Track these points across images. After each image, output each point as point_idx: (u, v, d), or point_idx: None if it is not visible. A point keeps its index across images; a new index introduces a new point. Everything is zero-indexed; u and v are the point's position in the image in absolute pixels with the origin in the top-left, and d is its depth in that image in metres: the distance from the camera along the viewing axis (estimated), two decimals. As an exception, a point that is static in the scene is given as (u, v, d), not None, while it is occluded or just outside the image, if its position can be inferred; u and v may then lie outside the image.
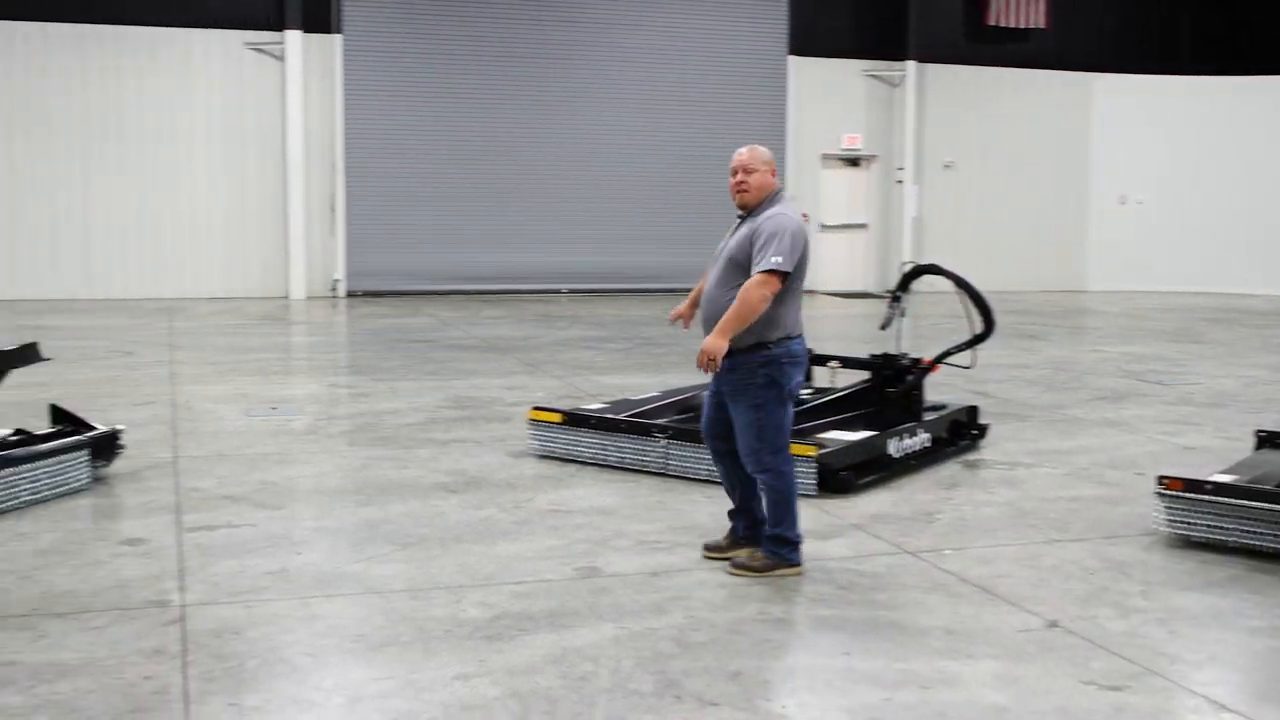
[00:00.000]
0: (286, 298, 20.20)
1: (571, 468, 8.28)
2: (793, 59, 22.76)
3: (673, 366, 12.74)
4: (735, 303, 5.78)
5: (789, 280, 5.86)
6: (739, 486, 6.26)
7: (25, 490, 7.15)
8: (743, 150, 6.15)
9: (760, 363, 5.88)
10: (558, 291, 21.43)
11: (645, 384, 11.05)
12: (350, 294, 20.62)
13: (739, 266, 5.93)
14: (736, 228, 6.12)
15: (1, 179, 19.38)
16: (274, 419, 9.93)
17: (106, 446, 7.87)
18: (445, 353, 14.04)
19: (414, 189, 20.95)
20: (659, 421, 8.33)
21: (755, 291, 5.75)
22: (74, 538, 6.61)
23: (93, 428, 7.83)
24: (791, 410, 6.11)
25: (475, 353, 14.05)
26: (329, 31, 20.34)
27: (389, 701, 4.56)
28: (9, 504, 7.04)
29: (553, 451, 8.52)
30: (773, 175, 6.13)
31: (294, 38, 20.12)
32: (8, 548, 6.39)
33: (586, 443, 8.38)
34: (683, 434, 8.02)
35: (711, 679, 4.79)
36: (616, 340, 15.16)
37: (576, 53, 21.59)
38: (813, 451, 7.60)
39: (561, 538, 6.65)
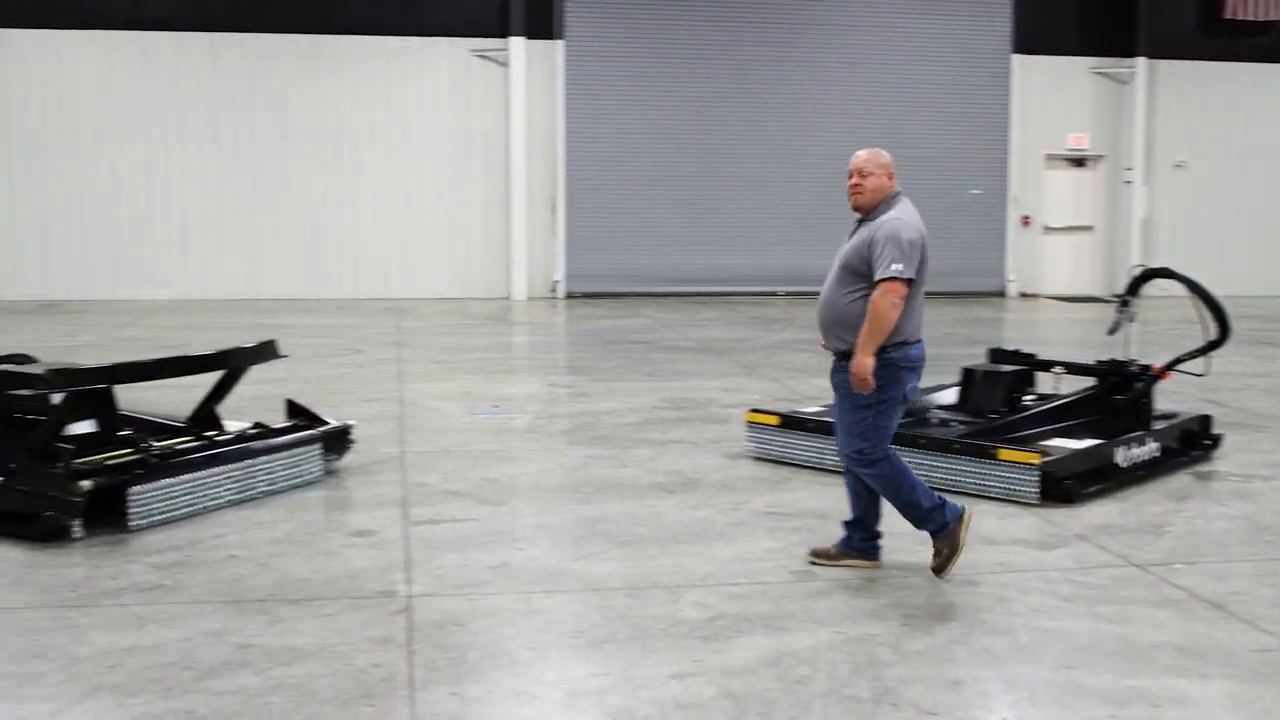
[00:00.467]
0: (508, 298, 20.64)
1: (787, 470, 8.26)
2: (1017, 57, 22.24)
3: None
4: (868, 317, 5.78)
5: (910, 285, 5.81)
6: (863, 497, 6.18)
7: (262, 481, 7.47)
8: (861, 153, 6.12)
9: (876, 366, 5.82)
10: (773, 294, 21.38)
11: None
12: (569, 295, 20.96)
13: (853, 271, 5.94)
14: (853, 231, 6.11)
15: (243, 185, 20.29)
16: (496, 417, 10.16)
17: (338, 441, 8.17)
18: (662, 354, 14.15)
19: (632, 191, 21.17)
20: (876, 426, 8.23)
21: (883, 301, 5.75)
22: (307, 528, 6.89)
23: (325, 423, 8.13)
24: (900, 415, 6.07)
25: (691, 354, 14.12)
26: (551, 38, 20.71)
27: (607, 698, 4.63)
28: (247, 494, 7.37)
29: (769, 454, 8.51)
30: (890, 179, 6.06)
31: (518, 44, 20.55)
32: (246, 536, 6.69)
33: (803, 445, 8.35)
34: (901, 439, 7.91)
35: (929, 687, 4.72)
36: (833, 343, 15.04)
37: (796, 54, 21.51)
38: (1035, 459, 7.43)
39: (778, 540, 6.64)
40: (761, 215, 21.51)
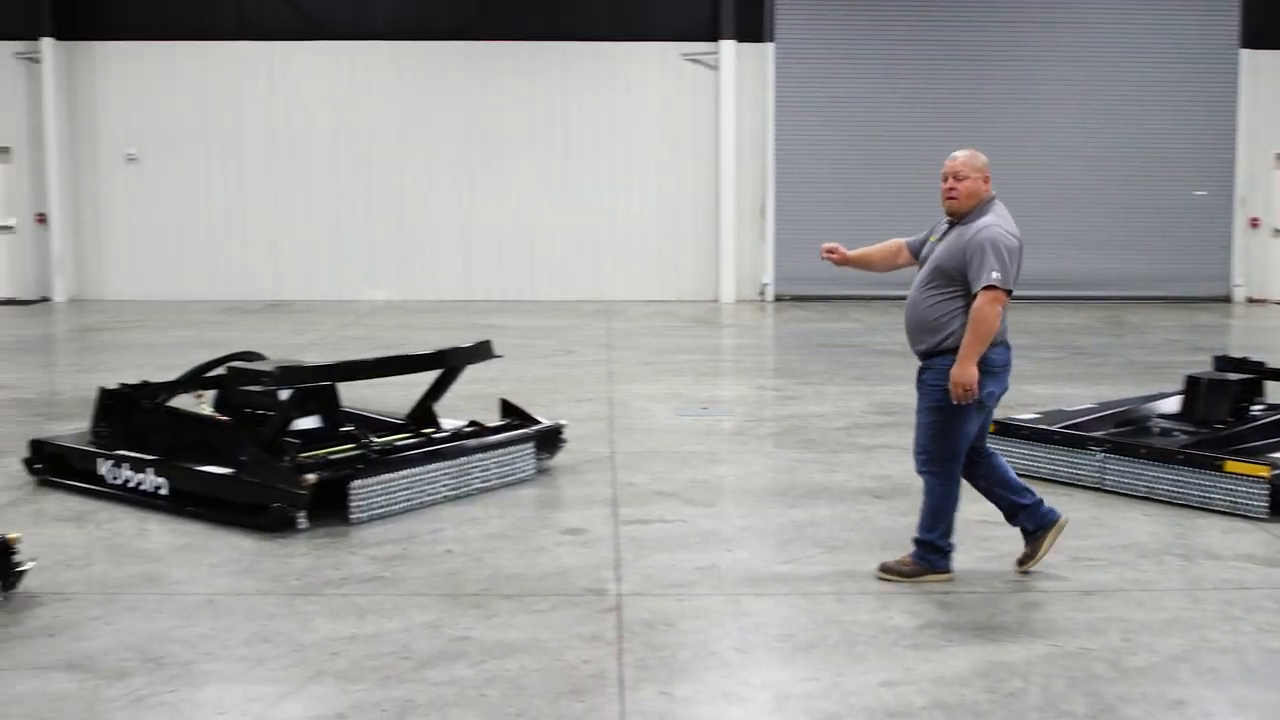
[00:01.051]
0: (716, 301, 20.69)
1: (1001, 478, 8.07)
2: (1245, 52, 21.34)
3: (1107, 378, 12.23)
4: (970, 325, 5.71)
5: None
6: (997, 488, 6.15)
7: (476, 478, 7.65)
8: (958, 154, 6.06)
9: (949, 367, 5.78)
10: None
11: (1077, 395, 10.66)
12: (777, 298, 20.89)
13: (944, 273, 5.88)
14: (944, 233, 6.01)
15: (459, 188, 20.80)
16: (704, 419, 10.20)
17: (550, 440, 8.32)
18: (871, 358, 14.01)
19: (841, 193, 20.97)
20: (1095, 434, 8.01)
21: (987, 310, 5.69)
22: (519, 525, 7.03)
23: (538, 422, 8.28)
24: (977, 420, 5.94)
25: (901, 358, 13.89)
26: (762, 40, 20.69)
27: (815, 702, 4.61)
28: (462, 491, 7.55)
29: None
30: (985, 183, 6.00)
31: (728, 48, 20.58)
32: (461, 531, 6.87)
33: (1016, 453, 8.16)
34: (1121, 448, 7.70)
35: (1151, 706, 4.58)
36: (1046, 349, 14.67)
37: (1016, 52, 21.00)
38: (1265, 472, 7.12)
39: (990, 549, 6.51)
40: (974, 218, 21.08)
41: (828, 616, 5.51)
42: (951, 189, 5.98)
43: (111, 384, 8.35)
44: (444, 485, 7.46)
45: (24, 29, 20.52)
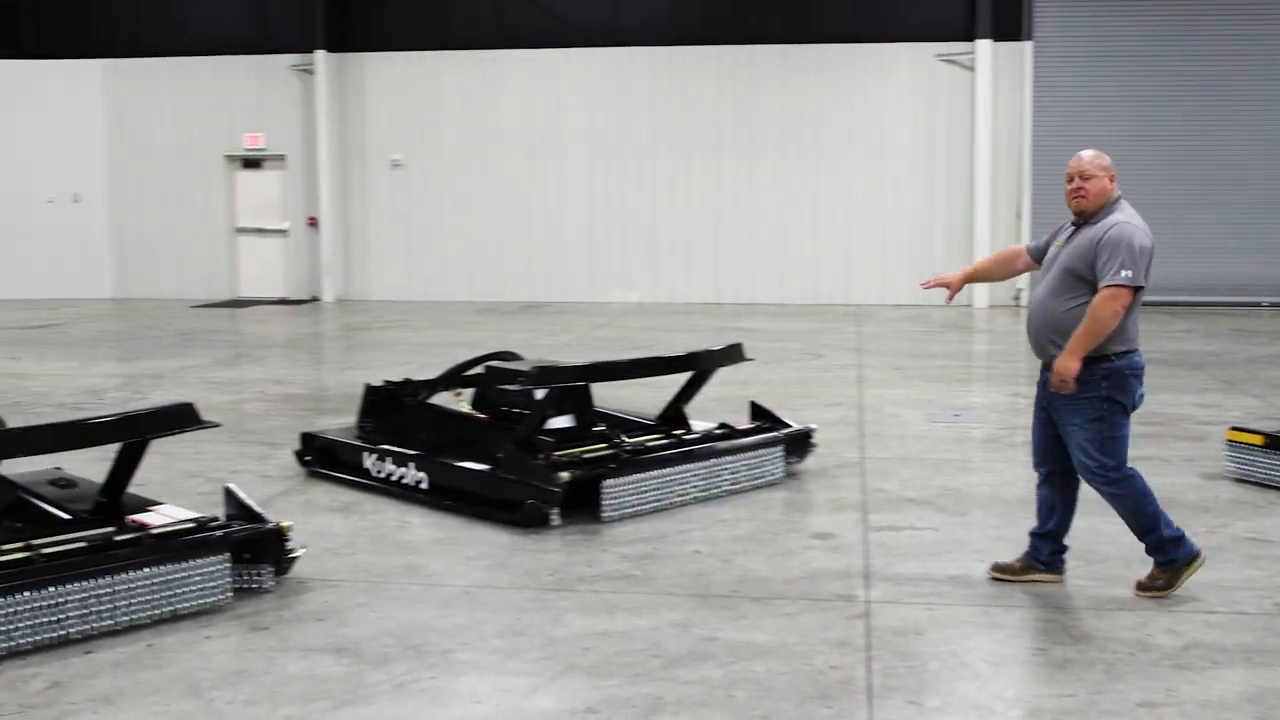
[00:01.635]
0: (969, 305, 20.26)
1: (1272, 494, 7.69)
2: None
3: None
4: (1085, 320, 5.54)
5: (1138, 294, 5.57)
6: (1059, 511, 5.98)
7: (726, 480, 7.69)
8: (1084, 153, 5.82)
9: (1103, 375, 5.63)
10: (1256, 305, 19.98)
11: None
12: (1033, 303, 20.35)
13: (1076, 277, 5.68)
14: (1071, 235, 5.83)
15: (710, 191, 20.92)
16: (956, 425, 10.02)
17: (799, 444, 8.29)
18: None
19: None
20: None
21: (1106, 307, 5.51)
22: (768, 528, 7.03)
23: (788, 425, 8.27)
24: (1129, 425, 5.75)
25: (1164, 367, 13.39)
26: (1019, 39, 20.18)
27: (1069, 719, 4.48)
28: (711, 492, 7.60)
29: (1251, 476, 7.96)
30: (1112, 182, 5.73)
31: (984, 47, 20.15)
32: (710, 532, 6.91)
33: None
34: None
35: None
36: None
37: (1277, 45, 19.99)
38: None
39: (1261, 569, 6.21)
40: (1247, 220, 20.12)
41: (1084, 632, 5.34)
42: (1079, 189, 5.78)
43: (376, 381, 8.71)
44: (694, 486, 7.53)
45: (299, 43, 21.57)
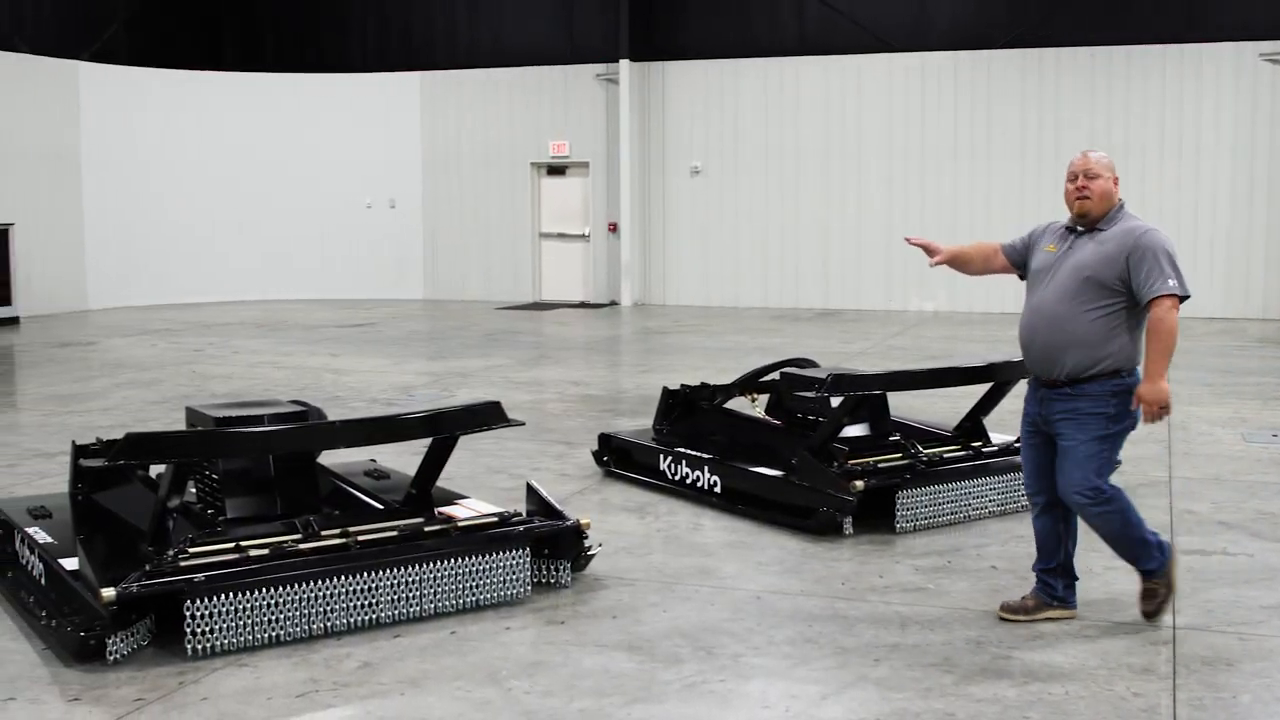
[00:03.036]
0: (1290, 319, 19.18)
1: None
2: None
3: None
4: (1156, 339, 5.22)
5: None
6: (1064, 541, 5.64)
7: (1022, 495, 7.47)
8: (1090, 153, 5.41)
9: (1114, 391, 5.33)
10: None
11: None
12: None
13: (1100, 285, 5.33)
14: (1073, 240, 5.48)
15: (1012, 197, 20.36)
16: (1274, 446, 9.50)
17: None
18: None
19: None
20: None
21: (1170, 319, 5.22)
22: (1068, 546, 6.80)
23: (1090, 441, 7.98)
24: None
25: None
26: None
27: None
28: (1008, 507, 7.43)
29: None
30: (1116, 185, 5.46)
31: (1315, 46, 19.03)
32: (1006, 548, 6.77)
33: None
34: None
35: None
36: None
37: None
38: None
39: None
40: None
41: None
42: (1084, 189, 5.40)
43: (673, 385, 8.84)
44: (990, 500, 7.37)
45: (604, 52, 22.11)
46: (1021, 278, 5.78)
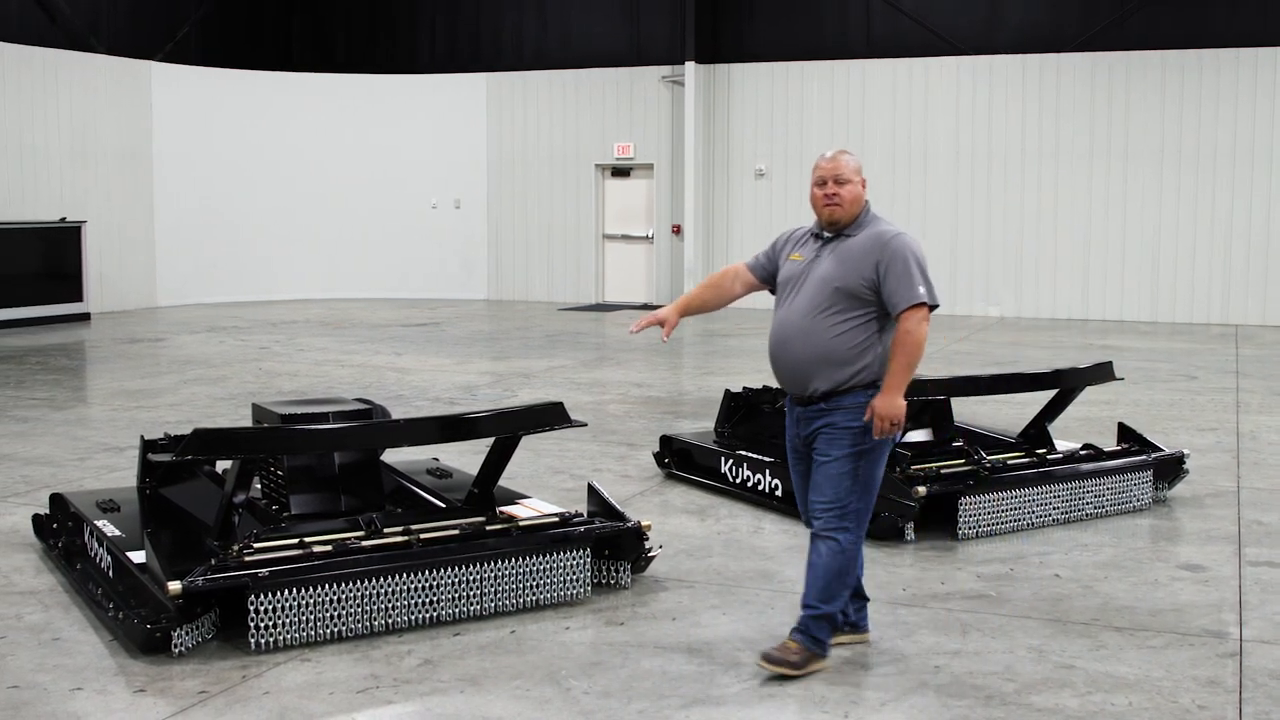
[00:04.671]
0: (1365, 329, 18.84)
1: None
2: None
3: None
4: (901, 350, 4.91)
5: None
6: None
7: (1089, 504, 7.42)
8: (839, 156, 5.12)
9: (867, 403, 4.94)
10: None
11: None
12: None
13: (848, 295, 4.99)
14: (820, 247, 5.13)
15: (1081, 203, 20.14)
16: (1346, 458, 9.34)
17: (1170, 469, 7.92)
18: None
19: None
20: None
21: (920, 332, 4.93)
22: (1132, 555, 6.74)
23: (1157, 449, 7.90)
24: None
25: None
26: None
27: None
28: (1073, 515, 7.36)
29: None
30: (864, 187, 5.11)
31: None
32: (1070, 557, 6.69)
33: None
34: None
35: None
36: None
37: None
38: None
39: None
40: None
41: None
42: (833, 195, 5.07)
43: (735, 387, 8.83)
44: (1054, 508, 7.30)
45: (670, 55, 22.12)
46: (772, 292, 5.37)
